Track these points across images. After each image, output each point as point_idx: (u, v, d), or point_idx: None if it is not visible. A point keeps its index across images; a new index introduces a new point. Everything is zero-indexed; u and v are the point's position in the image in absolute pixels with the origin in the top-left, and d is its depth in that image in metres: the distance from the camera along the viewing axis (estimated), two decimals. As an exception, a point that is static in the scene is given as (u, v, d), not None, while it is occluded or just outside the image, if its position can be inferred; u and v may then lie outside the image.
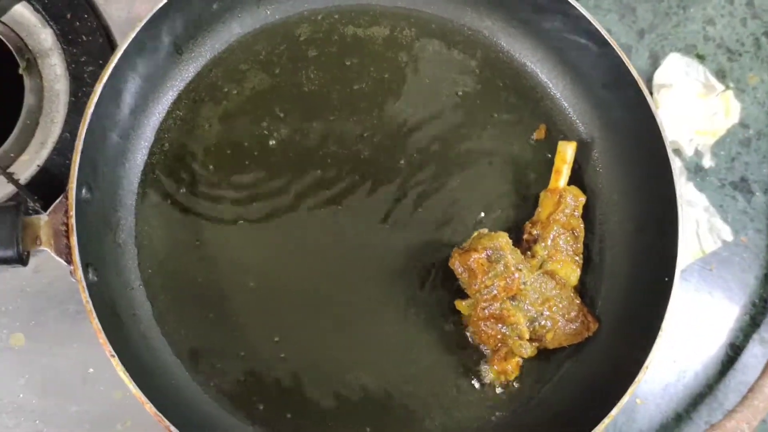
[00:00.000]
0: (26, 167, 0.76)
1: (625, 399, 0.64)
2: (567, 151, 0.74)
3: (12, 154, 0.76)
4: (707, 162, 1.02)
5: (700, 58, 1.08)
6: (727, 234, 0.96)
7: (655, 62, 1.06)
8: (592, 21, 0.71)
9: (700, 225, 0.97)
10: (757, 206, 1.02)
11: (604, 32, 0.71)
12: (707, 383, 0.88)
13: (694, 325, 0.90)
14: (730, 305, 0.91)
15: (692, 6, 1.10)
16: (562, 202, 0.72)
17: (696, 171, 1.02)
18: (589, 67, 0.76)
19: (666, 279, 0.66)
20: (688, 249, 0.95)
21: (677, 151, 1.01)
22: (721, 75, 1.07)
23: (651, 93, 1.02)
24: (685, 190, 1.00)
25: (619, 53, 0.71)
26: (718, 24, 1.10)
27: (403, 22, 0.79)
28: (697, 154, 1.02)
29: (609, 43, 0.71)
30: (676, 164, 0.70)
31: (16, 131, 0.76)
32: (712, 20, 1.10)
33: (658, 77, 1.03)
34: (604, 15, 1.08)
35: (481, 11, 0.79)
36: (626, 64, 0.70)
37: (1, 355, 0.70)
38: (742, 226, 0.98)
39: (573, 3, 0.71)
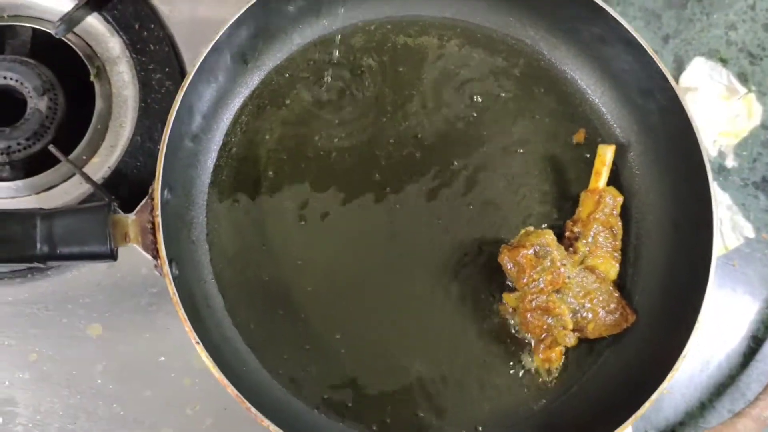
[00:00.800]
0: (98, 169, 0.80)
1: (665, 385, 0.68)
2: (606, 153, 0.78)
3: (84, 157, 0.81)
4: (730, 162, 1.05)
5: (723, 62, 1.12)
6: (749, 231, 0.99)
7: (680, 66, 1.09)
8: (630, 30, 0.75)
9: (723, 223, 1.00)
10: (778, 205, 1.05)
11: (642, 41, 0.75)
12: (730, 374, 0.91)
13: (718, 318, 0.93)
14: (752, 299, 0.95)
15: (715, 12, 1.13)
16: (602, 202, 0.77)
17: (719, 171, 1.05)
18: (627, 74, 0.80)
19: (702, 274, 0.70)
20: (713, 245, 0.98)
21: (702, 152, 1.05)
22: (743, 78, 1.10)
23: (677, 96, 1.06)
24: (710, 190, 1.03)
25: (656, 61, 0.75)
26: (740, 29, 1.13)
27: (450, 32, 0.84)
28: (721, 154, 1.06)
29: (646, 51, 0.75)
30: (709, 167, 0.74)
31: (88, 135, 0.81)
32: (734, 25, 1.13)
33: (684, 81, 1.07)
34: (630, 22, 1.10)
35: (524, 21, 0.84)
36: (663, 71, 0.74)
37: (81, 344, 0.75)
38: (764, 224, 1.01)
39: (612, 13, 0.75)
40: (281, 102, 0.79)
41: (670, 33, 1.12)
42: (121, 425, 0.73)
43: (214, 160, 0.77)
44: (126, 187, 0.78)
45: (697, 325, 0.70)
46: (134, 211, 0.65)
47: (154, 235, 0.63)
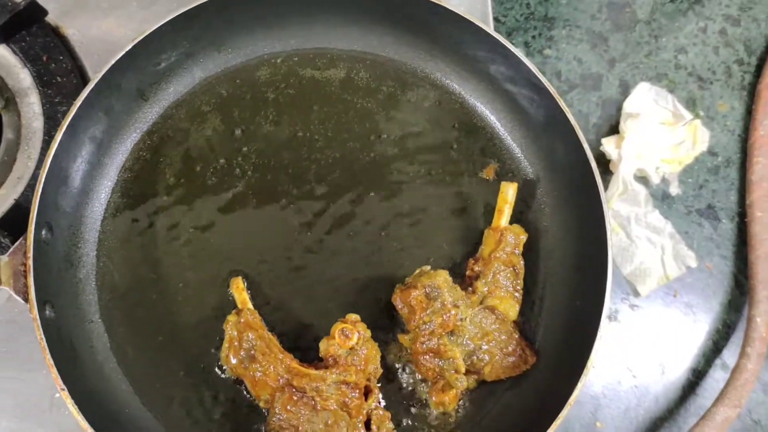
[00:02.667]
0: (2, 201, 0.80)
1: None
2: (509, 191, 0.77)
3: (-10, 189, 0.80)
4: (674, 189, 1.03)
5: (671, 85, 1.10)
6: (692, 260, 0.97)
7: (625, 91, 1.08)
8: (531, 67, 0.74)
9: (665, 251, 0.99)
10: (723, 233, 1.03)
11: (541, 77, 0.74)
12: (668, 407, 0.89)
13: (657, 349, 0.92)
14: (694, 331, 0.93)
15: (664, 35, 1.12)
16: (503, 240, 0.75)
17: (663, 198, 1.03)
18: (532, 110, 0.79)
19: (594, 319, 0.69)
20: (653, 275, 0.97)
21: (644, 179, 1.03)
22: (691, 103, 1.08)
23: (618, 122, 1.05)
24: (651, 218, 1.01)
25: (556, 98, 0.73)
26: (690, 52, 1.12)
27: (359, 65, 0.83)
28: (664, 181, 1.04)
29: (546, 89, 0.74)
30: (608, 210, 0.72)
31: (-6, 167, 0.81)
32: (684, 49, 1.12)
33: (627, 106, 1.05)
34: (576, 45, 1.10)
35: (435, 55, 0.82)
36: (563, 109, 0.73)
37: (-25, 381, 0.75)
38: (708, 253, 1.00)
39: (513, 50, 0.74)
40: (181, 136, 0.79)
41: (616, 56, 1.11)
42: (12, 464, 0.73)
43: (108, 196, 0.76)
44: (27, 221, 0.77)
45: (585, 372, 0.68)
46: (7, 253, 0.64)
47: (26, 278, 0.63)
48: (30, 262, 0.63)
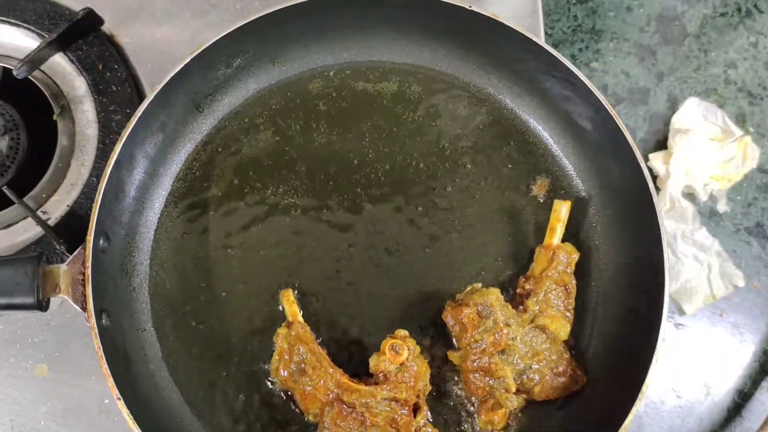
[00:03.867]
0: (57, 207, 0.81)
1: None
2: (562, 209, 0.76)
3: (44, 195, 0.82)
4: (722, 207, 1.02)
5: (721, 100, 1.08)
6: (740, 279, 0.96)
7: (673, 106, 1.06)
8: (587, 83, 0.73)
9: (711, 270, 0.97)
10: (771, 252, 1.02)
11: (597, 93, 0.73)
12: (712, 429, 0.88)
13: (702, 370, 0.91)
14: (740, 351, 0.92)
15: (714, 50, 1.10)
16: (555, 259, 0.74)
17: (710, 216, 1.02)
18: (587, 126, 0.78)
19: (652, 340, 0.68)
20: (699, 293, 0.96)
21: (691, 196, 1.02)
22: (741, 119, 1.07)
23: (666, 137, 1.03)
24: (698, 235, 1.00)
25: (612, 115, 0.72)
26: (740, 67, 1.10)
27: (411, 78, 0.82)
28: (712, 198, 1.03)
29: (603, 105, 0.73)
30: (665, 230, 0.71)
31: (48, 173, 0.82)
32: (734, 64, 1.10)
33: (675, 122, 1.04)
34: (623, 58, 1.09)
35: (487, 69, 0.82)
36: (620, 126, 0.72)
37: (26, 384, 0.76)
38: (756, 272, 0.98)
39: (568, 65, 0.73)
40: (235, 148, 0.79)
41: (664, 70, 1.10)
42: (61, 468, 0.74)
43: (162, 206, 0.77)
44: (81, 227, 0.77)
45: (640, 396, 0.67)
46: (66, 262, 0.65)
47: (84, 286, 0.63)
48: (89, 271, 0.63)
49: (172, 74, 0.69)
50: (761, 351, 0.93)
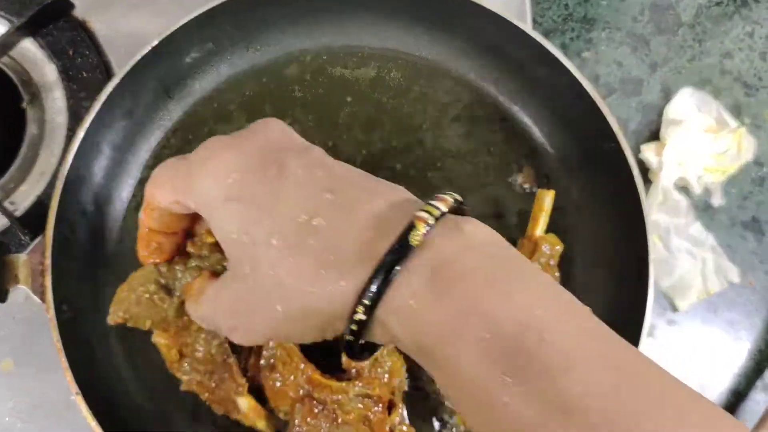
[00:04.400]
0: (25, 197, 0.79)
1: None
2: (545, 199, 0.73)
3: (12, 184, 0.80)
4: (717, 200, 1.00)
5: (715, 91, 1.07)
6: (735, 275, 0.94)
7: (667, 96, 1.05)
8: (573, 71, 0.71)
9: (706, 265, 0.96)
10: (767, 247, 1.00)
11: (584, 82, 0.71)
12: (706, 429, 0.86)
13: (695, 368, 0.89)
14: (735, 349, 0.90)
15: (709, 39, 1.09)
16: (538, 251, 0.72)
17: (705, 209, 1.00)
18: (574, 117, 0.75)
19: (634, 337, 0.65)
20: (693, 289, 0.94)
21: (685, 189, 1.00)
22: (736, 110, 1.05)
23: (659, 128, 1.02)
24: (692, 229, 0.98)
25: (601, 107, 0.70)
26: (736, 58, 1.09)
27: (390, 64, 0.80)
28: (706, 192, 1.01)
29: (588, 93, 0.70)
30: (649, 221, 0.69)
31: (17, 161, 0.80)
32: (729, 54, 1.09)
33: (669, 112, 1.03)
34: (616, 48, 1.08)
35: (471, 55, 0.79)
36: (606, 115, 0.69)
37: (-9, 379, 0.74)
38: (751, 267, 0.96)
39: (554, 52, 0.71)
40: (206, 135, 0.76)
41: (658, 61, 1.08)
42: (25, 466, 0.71)
43: (130, 195, 0.74)
44: (49, 217, 0.76)
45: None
46: (26, 251, 0.63)
47: (44, 277, 0.61)
48: (48, 261, 0.61)
49: (138, 57, 0.67)
50: (756, 349, 0.91)
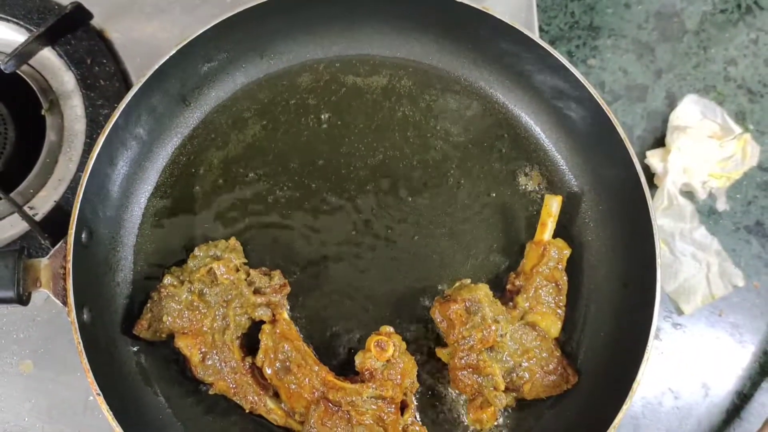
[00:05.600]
0: (44, 203, 0.81)
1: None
2: (553, 204, 0.75)
3: (32, 190, 0.81)
4: (721, 205, 1.01)
5: (720, 98, 1.08)
6: (739, 279, 0.95)
7: (672, 103, 1.06)
8: (580, 78, 0.72)
9: (710, 269, 0.97)
10: (772, 251, 1.01)
11: (591, 89, 0.72)
12: (711, 430, 0.87)
13: (700, 370, 0.90)
14: (739, 352, 0.91)
15: (713, 46, 1.10)
16: (546, 255, 0.73)
17: (709, 214, 1.01)
18: (579, 122, 0.77)
19: (642, 339, 0.67)
20: (698, 293, 0.95)
21: (690, 194, 1.01)
22: (740, 116, 1.07)
23: (664, 134, 1.03)
24: (697, 234, 1.00)
25: (606, 111, 0.72)
26: (740, 64, 1.10)
27: (401, 72, 0.82)
28: (711, 197, 1.02)
29: (596, 101, 0.72)
30: (657, 226, 0.70)
31: (36, 168, 0.82)
32: (733, 60, 1.10)
33: (674, 119, 1.04)
34: (621, 55, 1.09)
35: (479, 63, 0.81)
36: (613, 122, 0.71)
37: (10, 381, 0.76)
38: (755, 272, 0.97)
39: (561, 60, 0.73)
40: (222, 142, 0.78)
41: (663, 67, 1.09)
42: (44, 465, 0.73)
43: (147, 200, 0.76)
44: (68, 223, 0.77)
45: (630, 393, 0.66)
46: (48, 256, 0.65)
47: (65, 280, 0.63)
48: (69, 265, 0.63)
49: (156, 67, 0.69)
50: (761, 352, 0.92)
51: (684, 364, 0.90)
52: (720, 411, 0.88)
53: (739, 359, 0.90)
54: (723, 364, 0.90)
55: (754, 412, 0.89)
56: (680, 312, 0.92)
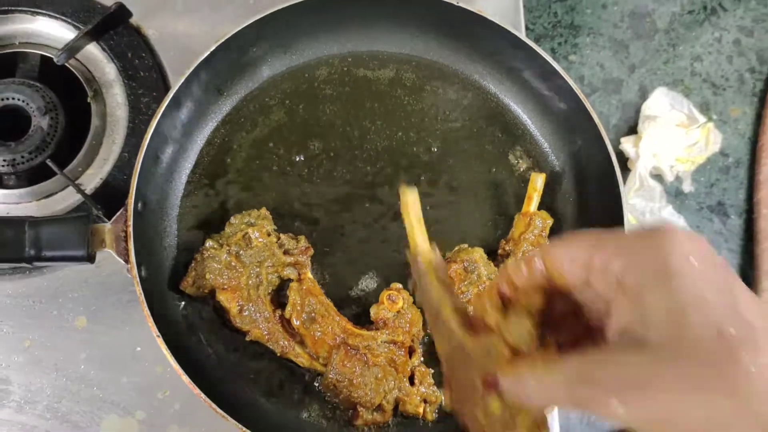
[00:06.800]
0: (91, 180, 0.91)
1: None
2: (537, 180, 0.86)
3: (80, 169, 0.92)
4: (687, 187, 1.12)
5: (687, 91, 1.18)
6: (702, 254, 1.05)
7: (643, 95, 1.17)
8: (560, 71, 0.84)
9: (676, 245, 1.07)
10: (731, 228, 1.12)
11: (569, 80, 0.84)
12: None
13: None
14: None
15: (682, 44, 1.20)
16: (532, 224, 0.85)
17: (676, 195, 1.12)
18: (563, 112, 0.89)
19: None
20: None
21: (659, 177, 1.12)
22: (705, 107, 1.17)
23: (637, 123, 1.13)
24: (665, 212, 1.10)
25: (582, 99, 0.83)
26: (705, 61, 1.20)
27: (406, 66, 0.93)
28: (678, 179, 1.13)
29: (574, 91, 0.83)
30: (626, 202, 0.81)
31: (84, 149, 0.92)
32: (699, 57, 1.20)
33: (645, 109, 1.14)
34: (599, 51, 1.20)
35: (474, 59, 0.93)
36: (588, 109, 0.82)
37: (68, 334, 0.85)
38: (717, 246, 1.09)
39: (544, 56, 0.84)
40: (250, 125, 0.89)
41: (636, 63, 1.19)
42: (99, 406, 0.84)
43: (187, 177, 0.87)
44: (114, 197, 0.88)
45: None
46: (111, 221, 0.75)
47: (126, 242, 0.74)
48: (130, 229, 0.73)
49: (199, 60, 0.80)
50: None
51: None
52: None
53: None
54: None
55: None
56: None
